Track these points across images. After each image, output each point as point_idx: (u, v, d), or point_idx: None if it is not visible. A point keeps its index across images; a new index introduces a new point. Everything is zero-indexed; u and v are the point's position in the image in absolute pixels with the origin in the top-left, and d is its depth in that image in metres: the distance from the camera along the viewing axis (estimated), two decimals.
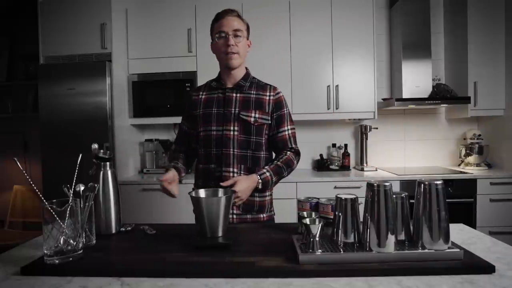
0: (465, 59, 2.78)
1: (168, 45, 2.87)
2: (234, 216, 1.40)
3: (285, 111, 1.47)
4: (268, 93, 1.45)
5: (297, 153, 1.49)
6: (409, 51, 2.85)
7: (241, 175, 1.35)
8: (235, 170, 1.38)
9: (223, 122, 1.39)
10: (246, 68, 1.49)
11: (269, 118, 1.43)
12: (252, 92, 1.44)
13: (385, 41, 3.12)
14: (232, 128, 1.39)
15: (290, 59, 2.81)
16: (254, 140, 1.41)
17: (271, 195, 1.49)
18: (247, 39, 1.44)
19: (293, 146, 1.48)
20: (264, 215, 1.45)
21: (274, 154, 1.52)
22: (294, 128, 1.49)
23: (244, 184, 1.28)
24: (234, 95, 1.42)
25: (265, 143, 1.45)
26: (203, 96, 1.47)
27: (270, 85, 1.48)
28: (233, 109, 1.40)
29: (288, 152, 1.45)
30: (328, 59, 2.81)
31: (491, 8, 2.73)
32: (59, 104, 2.64)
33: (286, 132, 1.46)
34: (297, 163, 1.49)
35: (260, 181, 1.34)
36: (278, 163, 1.41)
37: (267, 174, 1.36)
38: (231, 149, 1.38)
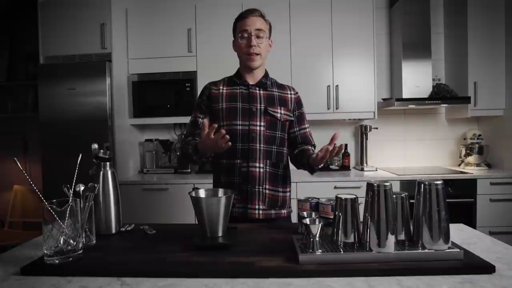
0: (465, 59, 2.78)
1: (168, 45, 2.87)
2: (260, 212, 1.39)
3: (304, 110, 1.55)
4: (289, 92, 1.50)
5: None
6: (409, 51, 2.85)
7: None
8: (261, 165, 1.40)
9: (249, 117, 1.40)
10: (265, 70, 1.50)
11: (292, 115, 1.48)
12: (274, 90, 1.47)
13: (385, 41, 3.12)
14: (258, 123, 1.40)
15: (290, 59, 2.81)
16: (279, 136, 1.44)
17: (290, 191, 1.51)
18: (269, 38, 1.45)
19: (313, 141, 1.56)
20: (285, 211, 1.46)
21: (291, 149, 1.54)
22: (309, 126, 1.57)
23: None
24: (258, 91, 1.44)
25: (286, 139, 1.49)
26: (225, 91, 1.45)
27: (288, 85, 1.54)
28: (258, 105, 1.41)
29: (314, 149, 1.52)
30: (328, 59, 2.81)
31: (491, 8, 2.73)
32: (59, 104, 2.64)
33: (307, 130, 1.54)
34: None
35: None
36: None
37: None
38: (258, 144, 1.39)
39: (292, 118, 1.48)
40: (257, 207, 1.38)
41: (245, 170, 1.39)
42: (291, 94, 1.50)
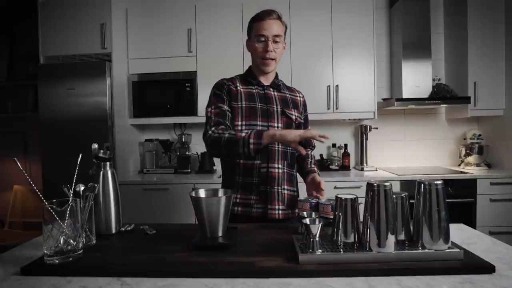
0: (465, 59, 2.78)
1: (168, 45, 2.87)
2: (280, 212, 1.39)
3: (308, 113, 1.60)
4: (298, 95, 1.55)
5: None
6: (409, 51, 2.86)
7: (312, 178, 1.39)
8: (280, 166, 1.40)
9: (267, 117, 1.40)
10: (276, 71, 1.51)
11: (302, 118, 1.52)
12: (286, 92, 1.50)
13: (385, 41, 3.12)
14: (276, 124, 1.40)
15: (290, 59, 2.81)
16: None
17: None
18: (284, 41, 1.44)
19: (314, 144, 1.60)
20: (297, 210, 1.47)
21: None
22: (310, 128, 1.59)
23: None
24: (273, 93, 1.45)
25: None
26: (242, 89, 1.43)
27: (295, 88, 1.58)
28: (275, 106, 1.42)
29: (312, 152, 1.58)
30: (328, 59, 2.81)
31: (491, 8, 2.73)
32: (59, 104, 2.64)
33: None
34: None
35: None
36: (314, 161, 1.55)
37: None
38: (276, 145, 1.40)
39: (302, 121, 1.52)
40: (277, 207, 1.38)
41: (264, 171, 1.38)
42: (300, 97, 1.54)
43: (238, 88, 1.42)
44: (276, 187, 1.39)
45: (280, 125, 1.41)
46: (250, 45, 1.44)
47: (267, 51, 1.36)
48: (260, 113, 1.39)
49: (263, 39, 1.36)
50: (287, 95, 1.48)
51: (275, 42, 1.37)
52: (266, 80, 1.46)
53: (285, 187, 1.41)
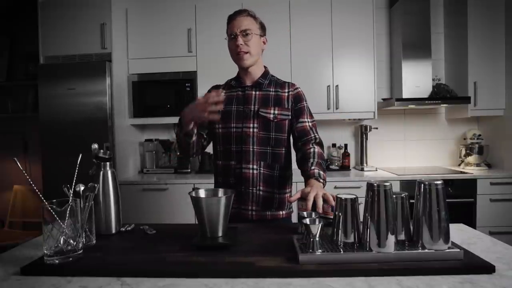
0: (465, 59, 2.78)
1: (168, 45, 2.87)
2: (254, 213, 1.39)
3: (305, 104, 1.46)
4: (287, 90, 1.46)
5: (320, 145, 1.44)
6: (409, 51, 2.86)
7: (309, 186, 1.21)
8: (255, 166, 1.39)
9: (242, 119, 1.40)
10: (265, 67, 1.50)
11: (289, 113, 1.43)
12: (271, 89, 1.45)
13: (385, 41, 3.12)
14: (251, 125, 1.40)
15: (290, 59, 2.81)
16: (273, 137, 1.41)
17: (289, 192, 1.48)
18: (262, 36, 1.44)
19: (316, 135, 1.43)
20: (283, 212, 1.44)
21: (294, 148, 1.47)
22: (314, 121, 1.47)
23: (314, 187, 1.18)
24: (254, 92, 1.44)
25: (287, 139, 1.45)
26: (224, 94, 1.46)
27: (289, 82, 1.50)
28: (252, 107, 1.41)
29: (316, 147, 1.40)
30: (328, 59, 2.81)
31: (491, 8, 2.73)
32: (59, 104, 2.64)
33: (307, 124, 1.44)
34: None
35: (322, 181, 1.28)
36: (317, 160, 1.34)
37: (321, 172, 1.31)
38: (251, 146, 1.39)
39: (289, 117, 1.43)
40: (250, 207, 1.39)
41: (238, 172, 1.39)
42: (288, 92, 1.44)
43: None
44: (250, 188, 1.38)
45: (256, 125, 1.39)
46: (228, 47, 1.45)
47: (237, 45, 1.36)
48: (235, 115, 1.41)
49: (232, 36, 1.38)
50: (270, 92, 1.43)
51: (245, 35, 1.37)
52: (250, 80, 1.45)
53: (261, 188, 1.39)
